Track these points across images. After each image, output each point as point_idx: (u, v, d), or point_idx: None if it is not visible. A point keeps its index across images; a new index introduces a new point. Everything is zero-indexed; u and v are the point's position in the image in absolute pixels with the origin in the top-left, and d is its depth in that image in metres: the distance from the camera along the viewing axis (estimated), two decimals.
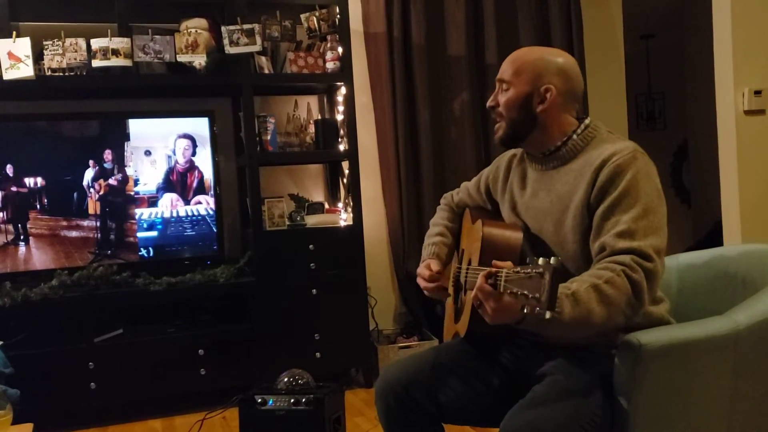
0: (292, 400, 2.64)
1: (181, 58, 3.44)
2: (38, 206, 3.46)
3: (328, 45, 3.72)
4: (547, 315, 1.27)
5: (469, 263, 1.81)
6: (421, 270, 1.95)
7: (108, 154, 3.54)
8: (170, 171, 3.63)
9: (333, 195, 4.06)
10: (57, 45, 3.30)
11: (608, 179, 1.60)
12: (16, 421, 2.30)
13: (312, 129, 3.86)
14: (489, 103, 1.80)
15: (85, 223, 3.52)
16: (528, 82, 1.72)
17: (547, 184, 1.76)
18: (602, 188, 1.61)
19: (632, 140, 1.74)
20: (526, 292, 1.31)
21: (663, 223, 1.60)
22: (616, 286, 1.48)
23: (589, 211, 1.63)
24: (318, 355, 3.62)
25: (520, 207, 1.82)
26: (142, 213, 3.59)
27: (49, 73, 3.32)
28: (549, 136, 1.74)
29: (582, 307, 1.44)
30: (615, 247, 1.55)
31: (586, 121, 1.75)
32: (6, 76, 3.21)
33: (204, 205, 3.68)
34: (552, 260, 1.29)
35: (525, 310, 1.31)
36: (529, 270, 1.31)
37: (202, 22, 3.53)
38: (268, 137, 3.67)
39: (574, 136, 1.73)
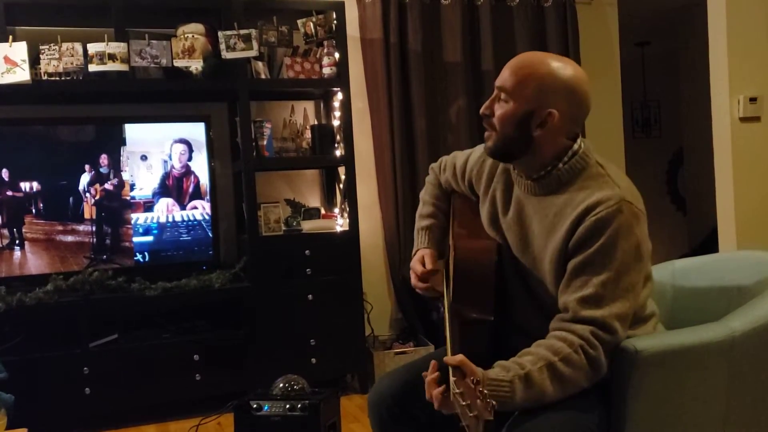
0: (287, 406, 2.64)
1: (178, 63, 3.44)
2: (34, 210, 3.45)
3: (325, 50, 3.72)
4: None
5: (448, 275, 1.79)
6: (415, 264, 1.89)
7: (104, 159, 3.54)
8: (166, 176, 3.63)
9: (329, 200, 4.06)
10: (53, 49, 3.30)
11: (588, 233, 1.54)
12: (10, 426, 2.30)
13: (308, 134, 3.86)
14: (483, 110, 1.66)
15: (81, 227, 3.51)
16: (530, 99, 1.58)
17: (529, 211, 1.68)
18: (580, 240, 1.55)
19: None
20: (468, 425, 1.30)
21: (635, 283, 1.56)
22: (573, 364, 1.47)
23: (565, 258, 1.58)
24: (314, 360, 3.61)
25: (502, 223, 1.76)
26: (138, 218, 3.58)
27: (45, 77, 3.31)
28: (540, 160, 1.63)
29: (535, 389, 1.44)
30: (578, 314, 1.52)
31: (575, 147, 1.63)
32: (2, 81, 3.21)
33: (200, 210, 3.67)
34: (489, 409, 1.27)
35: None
36: (468, 403, 1.29)
37: (198, 27, 3.54)
38: (265, 142, 3.67)
39: (561, 165, 1.62)
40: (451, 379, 1.35)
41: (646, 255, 1.60)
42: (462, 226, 1.85)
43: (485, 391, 1.29)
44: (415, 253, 1.96)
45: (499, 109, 1.63)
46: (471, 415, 1.27)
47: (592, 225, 1.53)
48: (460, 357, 1.38)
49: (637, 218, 1.56)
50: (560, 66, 1.62)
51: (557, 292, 1.61)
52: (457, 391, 1.32)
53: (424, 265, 1.88)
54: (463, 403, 1.29)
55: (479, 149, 1.90)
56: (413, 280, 1.89)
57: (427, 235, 1.97)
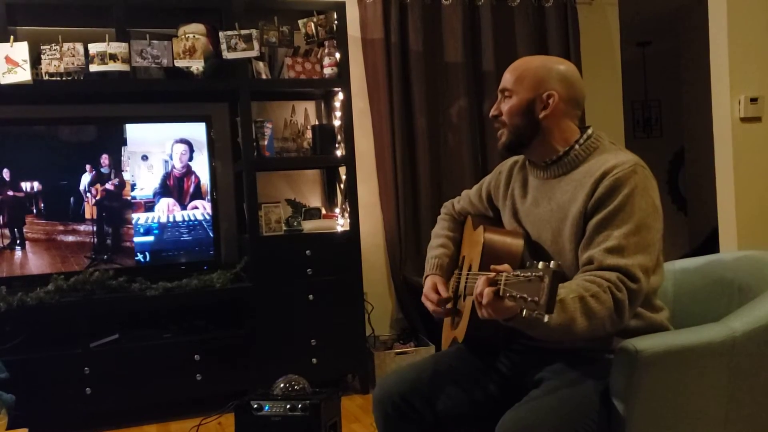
0: (288, 406, 2.64)
1: (179, 64, 3.45)
2: (35, 210, 3.46)
3: (326, 51, 3.72)
4: (546, 318, 1.29)
5: (470, 269, 1.81)
6: (429, 293, 1.92)
7: (105, 159, 3.54)
8: (167, 176, 3.63)
9: (330, 200, 4.06)
10: (54, 49, 3.30)
11: (606, 192, 1.61)
12: (10, 426, 2.30)
13: (309, 134, 3.86)
14: (492, 113, 1.81)
15: (82, 227, 3.51)
16: (530, 88, 1.73)
17: (548, 193, 1.76)
18: (599, 200, 1.62)
19: (629, 148, 1.75)
20: (525, 296, 1.32)
21: (655, 240, 1.61)
22: (601, 302, 1.50)
23: (585, 220, 1.65)
24: (314, 360, 3.61)
25: (521, 214, 1.83)
26: (139, 218, 3.58)
27: (46, 77, 3.32)
28: (552, 144, 1.75)
29: (567, 315, 1.46)
30: (603, 262, 1.56)
31: (589, 131, 1.76)
32: (3, 81, 3.21)
33: (201, 210, 3.68)
34: (552, 264, 1.30)
35: (523, 314, 1.32)
36: (528, 274, 1.32)
37: (199, 28, 3.54)
38: (265, 142, 3.67)
39: (576, 146, 1.74)
40: (503, 275, 1.38)
41: (661, 216, 1.65)
42: (486, 223, 1.88)
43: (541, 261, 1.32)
44: (425, 279, 1.98)
45: (505, 106, 1.77)
46: (533, 277, 1.29)
47: (609, 184, 1.62)
48: (506, 265, 1.43)
49: (651, 181, 1.65)
50: (551, 59, 1.82)
51: (575, 260, 1.65)
52: (514, 273, 1.36)
53: (437, 292, 1.90)
54: (525, 276, 1.32)
55: (493, 171, 2.02)
56: (429, 307, 1.92)
57: (437, 263, 2.01)
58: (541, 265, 1.31)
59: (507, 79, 1.77)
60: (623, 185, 1.60)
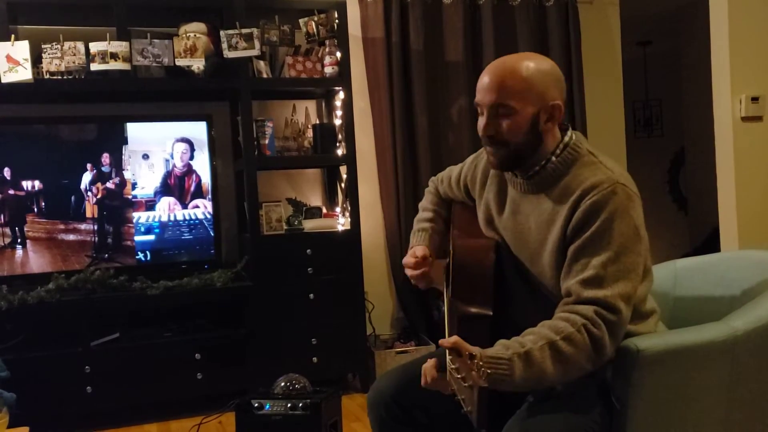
0: (288, 405, 2.64)
1: (180, 63, 3.45)
2: (36, 209, 3.46)
3: (327, 50, 3.73)
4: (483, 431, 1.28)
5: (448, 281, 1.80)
6: (407, 259, 1.90)
7: (106, 158, 3.54)
8: (168, 175, 3.63)
9: (331, 199, 4.06)
10: (56, 48, 3.30)
11: (584, 217, 1.55)
12: (11, 425, 2.30)
13: (310, 133, 3.86)
14: (487, 133, 1.63)
15: (83, 226, 3.51)
16: (535, 102, 1.59)
17: (525, 209, 1.69)
18: (577, 225, 1.56)
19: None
20: (464, 398, 1.30)
21: (636, 264, 1.55)
22: (575, 344, 1.45)
23: (565, 246, 1.59)
24: (315, 359, 3.61)
25: (497, 224, 1.77)
26: (140, 217, 3.59)
27: (47, 76, 3.32)
28: (540, 154, 1.65)
29: (535, 368, 1.42)
30: (580, 296, 1.51)
31: (566, 139, 1.66)
32: (4, 80, 3.21)
33: (201, 209, 3.68)
34: (483, 363, 1.29)
35: (465, 408, 1.32)
36: (463, 375, 1.30)
37: (200, 27, 3.54)
38: (266, 142, 3.67)
39: (553, 158, 1.63)
40: (448, 357, 1.36)
41: (644, 238, 1.60)
42: (461, 228, 1.86)
43: (480, 363, 1.31)
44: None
45: (506, 124, 1.61)
46: (465, 385, 1.28)
47: (588, 208, 1.55)
48: (454, 338, 1.38)
49: (632, 200, 1.58)
50: (536, 61, 1.62)
51: (557, 285, 1.61)
52: (453, 366, 1.33)
53: (415, 257, 1.89)
54: (458, 376, 1.30)
55: (471, 157, 1.94)
56: (408, 273, 1.91)
57: (421, 235, 1.98)
58: (474, 371, 1.28)
59: (500, 93, 1.59)
60: (601, 209, 1.53)
